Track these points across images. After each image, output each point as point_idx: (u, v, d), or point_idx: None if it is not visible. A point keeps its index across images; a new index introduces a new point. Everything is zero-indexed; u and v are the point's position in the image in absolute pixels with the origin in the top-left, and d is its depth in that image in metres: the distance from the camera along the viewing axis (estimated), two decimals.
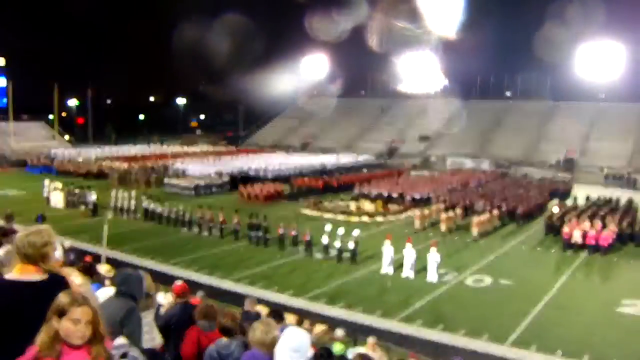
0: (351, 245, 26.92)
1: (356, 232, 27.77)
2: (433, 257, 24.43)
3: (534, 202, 40.04)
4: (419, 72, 77.68)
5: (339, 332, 12.86)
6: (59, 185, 42.78)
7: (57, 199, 41.08)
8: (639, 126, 66.99)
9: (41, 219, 25.58)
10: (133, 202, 37.77)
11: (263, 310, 11.67)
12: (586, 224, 30.91)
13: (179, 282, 8.93)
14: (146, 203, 36.92)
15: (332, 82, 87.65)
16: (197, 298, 12.39)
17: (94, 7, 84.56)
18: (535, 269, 26.98)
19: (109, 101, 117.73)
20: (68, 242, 21.52)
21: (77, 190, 41.41)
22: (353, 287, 23.57)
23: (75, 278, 6.13)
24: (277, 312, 9.54)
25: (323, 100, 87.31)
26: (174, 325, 7.10)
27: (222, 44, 79.87)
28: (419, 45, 72.18)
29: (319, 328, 13.08)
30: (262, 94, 77.29)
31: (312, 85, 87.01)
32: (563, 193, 47.02)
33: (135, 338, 4.96)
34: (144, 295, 5.72)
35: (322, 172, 56.72)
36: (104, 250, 22.60)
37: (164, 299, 9.21)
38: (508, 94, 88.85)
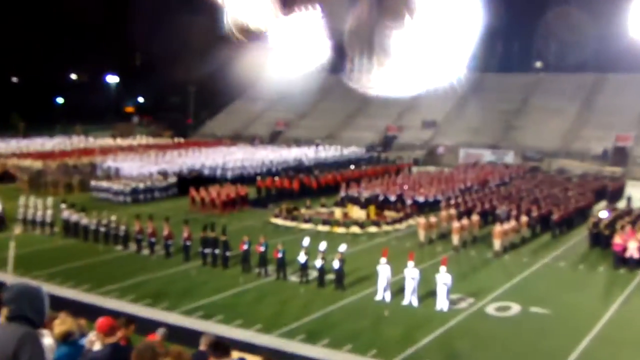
0: (336, 264, 26.84)
1: (342, 248, 27.69)
2: (443, 279, 24.43)
3: (574, 205, 40.29)
4: (420, 40, 77.60)
5: None
6: None
7: None
8: None
9: None
10: (49, 213, 37.31)
11: None
12: None
13: (104, 318, 8.75)
14: (67, 213, 36.50)
15: (311, 55, 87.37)
16: (155, 337, 12.27)
17: None
18: (577, 292, 27.09)
19: (14, 79, 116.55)
20: None
21: None
22: (339, 319, 23.49)
23: None
24: (221, 345, 9.32)
25: (298, 78, 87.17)
26: None
27: (166, 4, 79.47)
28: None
29: None
30: (219, 70, 76.93)
31: (284, 59, 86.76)
32: (613, 193, 47.41)
33: None
34: (46, 318, 5.44)
35: (298, 169, 56.65)
36: (10, 276, 22.31)
37: (87, 338, 9.02)
38: (538, 65, 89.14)
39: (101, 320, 8.57)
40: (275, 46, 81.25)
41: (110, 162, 57.31)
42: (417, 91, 75.53)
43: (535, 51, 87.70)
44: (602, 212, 36.93)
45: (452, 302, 24.67)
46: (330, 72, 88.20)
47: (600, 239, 33.53)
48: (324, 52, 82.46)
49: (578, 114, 71.96)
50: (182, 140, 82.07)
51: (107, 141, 77.68)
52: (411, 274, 24.94)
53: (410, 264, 25.10)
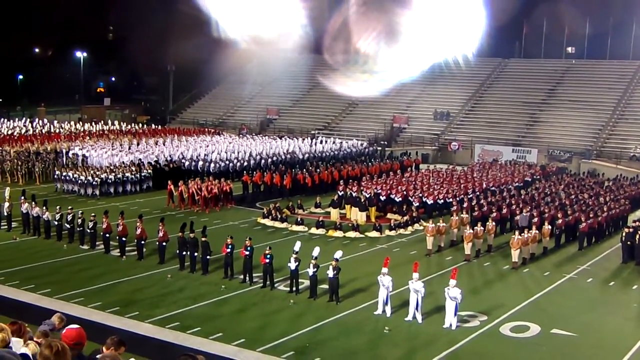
0: (331, 272, 26.93)
1: (338, 254, 27.74)
2: (452, 293, 24.51)
3: (606, 213, 40.27)
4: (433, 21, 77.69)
5: None
6: None
7: None
8: None
9: None
10: (6, 205, 37.40)
11: None
12: None
13: (74, 327, 8.82)
14: (26, 206, 36.57)
15: (305, 34, 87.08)
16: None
17: None
18: (607, 313, 27.09)
19: None
20: None
21: None
22: (332, 336, 23.55)
23: None
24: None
25: (291, 59, 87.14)
26: None
27: None
28: None
29: None
30: (202, 48, 76.79)
31: (274, 37, 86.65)
32: None
33: None
34: None
35: (290, 164, 56.62)
36: None
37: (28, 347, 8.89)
38: (570, 50, 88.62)
39: (68, 330, 8.60)
40: (265, 24, 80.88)
41: (77, 150, 57.21)
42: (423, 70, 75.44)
43: (567, 35, 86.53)
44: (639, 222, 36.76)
45: (462, 320, 24.76)
46: (329, 54, 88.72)
47: (635, 253, 33.56)
48: (321, 32, 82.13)
49: (614, 108, 71.82)
50: (159, 127, 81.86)
51: (74, 125, 77.44)
52: (415, 286, 25.02)
53: (415, 275, 25.16)
